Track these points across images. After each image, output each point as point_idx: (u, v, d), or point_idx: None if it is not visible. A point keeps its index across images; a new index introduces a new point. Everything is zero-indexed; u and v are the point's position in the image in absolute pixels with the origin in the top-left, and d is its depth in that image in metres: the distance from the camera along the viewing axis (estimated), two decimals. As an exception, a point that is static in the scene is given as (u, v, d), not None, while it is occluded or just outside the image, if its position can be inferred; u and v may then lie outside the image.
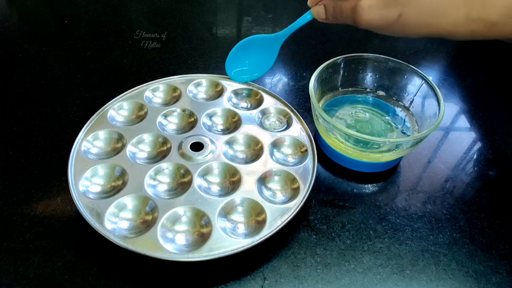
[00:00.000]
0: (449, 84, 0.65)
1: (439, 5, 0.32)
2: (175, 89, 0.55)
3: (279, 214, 0.40)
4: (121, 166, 0.44)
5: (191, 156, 0.46)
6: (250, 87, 0.56)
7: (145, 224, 0.40)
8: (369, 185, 0.48)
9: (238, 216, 0.41)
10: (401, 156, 0.50)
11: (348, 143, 0.47)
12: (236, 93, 0.55)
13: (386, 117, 0.53)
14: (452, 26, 0.33)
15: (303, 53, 0.71)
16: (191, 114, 0.52)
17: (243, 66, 0.49)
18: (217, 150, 0.47)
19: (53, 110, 0.56)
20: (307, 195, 0.42)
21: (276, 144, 0.49)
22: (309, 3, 0.42)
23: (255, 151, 0.48)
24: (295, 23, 0.45)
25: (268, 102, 0.54)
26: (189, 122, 0.51)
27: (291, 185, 0.44)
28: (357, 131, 0.49)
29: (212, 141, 0.48)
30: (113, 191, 0.42)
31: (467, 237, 0.43)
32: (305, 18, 0.44)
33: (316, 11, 0.40)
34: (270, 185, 0.44)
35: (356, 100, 0.55)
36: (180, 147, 0.47)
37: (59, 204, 0.44)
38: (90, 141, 0.47)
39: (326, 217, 0.44)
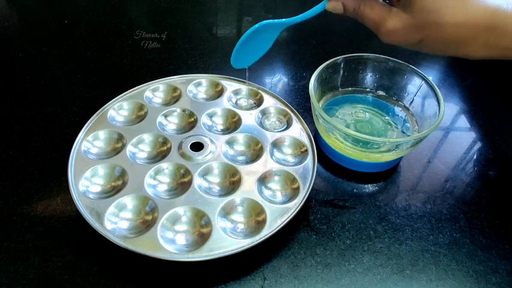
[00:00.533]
0: (449, 84, 0.65)
1: (460, 34, 0.33)
2: (175, 89, 0.55)
3: (279, 214, 0.40)
4: (121, 166, 0.44)
5: (191, 156, 0.46)
6: (250, 87, 0.56)
7: (145, 224, 0.40)
8: (369, 185, 0.48)
9: (238, 216, 0.41)
10: (401, 156, 0.50)
11: (348, 143, 0.47)
12: (236, 93, 0.55)
13: (386, 117, 0.53)
14: (470, 52, 0.35)
15: (303, 53, 0.71)
16: (191, 114, 0.52)
17: (244, 53, 0.48)
18: (217, 150, 0.47)
19: (53, 110, 0.56)
20: (307, 195, 0.42)
21: (276, 144, 0.49)
22: None
23: (255, 151, 0.48)
24: (306, 13, 0.43)
25: (268, 102, 0.54)
26: (189, 122, 0.51)
27: (291, 185, 0.44)
28: (357, 131, 0.49)
29: (212, 141, 0.48)
30: (113, 191, 0.42)
31: (467, 237, 0.43)
32: (318, 8, 0.41)
33: (333, 7, 0.40)
34: (270, 185, 0.44)
35: (356, 100, 0.55)
36: (180, 147, 0.47)
37: (59, 204, 0.44)
38: (90, 141, 0.47)
39: (326, 217, 0.44)
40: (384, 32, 0.36)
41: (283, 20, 0.45)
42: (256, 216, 0.41)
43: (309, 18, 0.43)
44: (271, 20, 0.45)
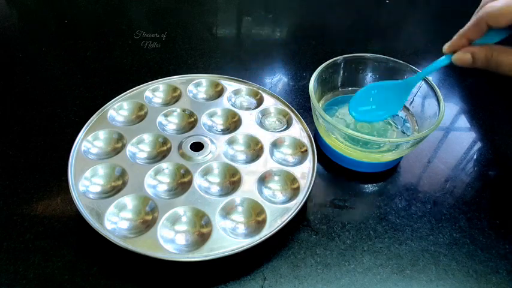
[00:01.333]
0: (449, 84, 0.65)
1: None
2: (175, 89, 0.55)
3: (279, 214, 0.40)
4: (121, 166, 0.44)
5: (191, 156, 0.46)
6: (250, 87, 0.56)
7: (145, 224, 0.40)
8: (369, 185, 0.48)
9: (238, 216, 0.41)
10: (401, 156, 0.50)
11: (348, 143, 0.47)
12: (236, 93, 0.55)
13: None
14: None
15: (303, 53, 0.71)
16: (191, 114, 0.52)
17: (368, 106, 0.47)
18: (217, 150, 0.47)
19: (53, 110, 0.56)
20: (307, 195, 0.42)
21: (276, 144, 0.49)
22: (445, 49, 0.40)
23: (255, 151, 0.48)
24: (430, 67, 0.42)
25: (268, 102, 0.54)
26: (189, 122, 0.51)
27: (291, 185, 0.44)
28: (357, 131, 0.49)
29: (212, 141, 0.48)
30: (113, 191, 0.42)
31: (467, 237, 0.43)
32: (442, 62, 0.41)
33: (462, 59, 0.38)
34: (270, 185, 0.44)
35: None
36: (180, 147, 0.47)
37: (59, 204, 0.44)
38: (90, 141, 0.47)
39: (326, 217, 0.44)
40: None
41: (405, 80, 0.46)
42: (256, 216, 0.41)
43: (434, 71, 0.44)
44: (390, 81, 0.47)
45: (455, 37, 0.39)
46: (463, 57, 0.38)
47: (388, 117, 0.51)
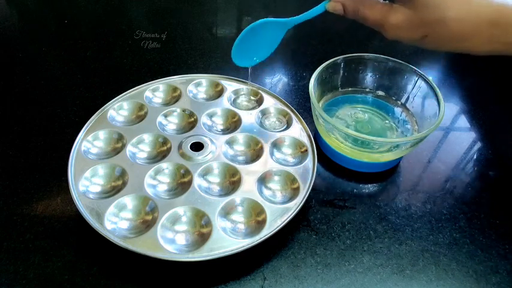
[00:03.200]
0: (449, 84, 0.65)
1: (464, 29, 0.34)
2: (175, 89, 0.55)
3: (279, 214, 0.40)
4: (121, 166, 0.44)
5: (191, 156, 0.46)
6: (250, 87, 0.56)
7: (145, 224, 0.40)
8: (369, 185, 0.48)
9: (238, 216, 0.41)
10: (401, 156, 0.50)
11: (348, 143, 0.47)
12: (236, 93, 0.55)
13: (386, 118, 0.53)
14: (474, 47, 0.35)
15: (303, 53, 0.71)
16: (191, 114, 0.52)
17: (247, 51, 0.48)
18: (217, 150, 0.47)
19: (53, 110, 0.56)
20: (307, 195, 0.42)
21: (276, 144, 0.49)
22: None
23: (255, 151, 0.48)
24: (307, 13, 0.43)
25: (268, 102, 0.54)
26: (189, 122, 0.51)
27: (291, 185, 0.44)
28: (357, 131, 0.49)
29: (212, 141, 0.48)
30: (113, 191, 0.42)
31: (467, 237, 0.43)
32: (318, 9, 0.42)
33: (333, 8, 0.40)
34: (270, 185, 0.44)
35: (356, 100, 0.55)
36: (180, 147, 0.47)
37: (59, 204, 0.44)
38: (90, 141, 0.47)
39: (326, 217, 0.44)
40: (388, 28, 0.36)
41: (284, 19, 0.45)
42: (256, 216, 0.41)
43: (310, 18, 0.44)
44: (271, 18, 0.45)
45: None
46: (335, 6, 0.40)
47: (260, 61, 0.50)
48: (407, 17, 0.35)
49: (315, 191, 0.47)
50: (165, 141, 0.48)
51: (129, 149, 0.46)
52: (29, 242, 0.41)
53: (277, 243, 0.41)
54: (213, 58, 0.68)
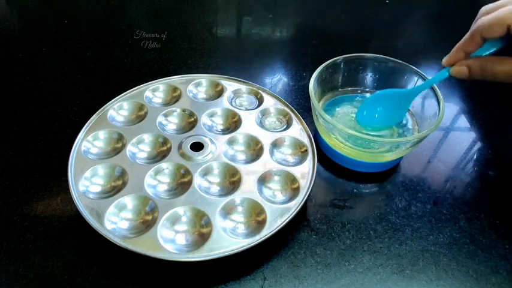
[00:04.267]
0: (449, 84, 0.65)
1: None
2: (175, 89, 0.55)
3: (279, 214, 0.40)
4: (121, 166, 0.44)
5: (191, 156, 0.46)
6: (250, 87, 0.56)
7: (145, 224, 0.40)
8: (369, 185, 0.48)
9: (238, 216, 0.41)
10: (401, 156, 0.50)
11: (348, 143, 0.47)
12: (236, 93, 0.55)
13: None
14: None
15: (303, 53, 0.71)
16: (191, 114, 0.52)
17: (373, 116, 0.50)
18: (217, 150, 0.47)
19: (53, 110, 0.56)
20: (307, 195, 0.42)
21: (276, 144, 0.49)
22: (444, 63, 0.42)
23: (255, 151, 0.48)
24: (430, 80, 0.45)
25: (268, 102, 0.54)
26: (189, 122, 0.51)
27: (291, 185, 0.44)
28: (357, 131, 0.49)
29: (212, 141, 0.48)
30: (113, 191, 0.42)
31: (467, 237, 0.43)
32: (442, 75, 0.43)
33: (458, 72, 0.40)
34: (270, 185, 0.44)
35: (356, 100, 0.55)
36: (180, 147, 0.47)
37: (59, 204, 0.44)
38: (90, 141, 0.47)
39: (326, 217, 0.44)
40: None
41: (408, 89, 0.48)
42: (256, 216, 0.41)
43: (434, 84, 0.46)
44: (395, 89, 0.49)
45: (452, 51, 0.41)
46: (459, 70, 0.40)
47: (393, 126, 0.51)
48: None
49: (315, 191, 0.47)
50: (165, 141, 0.48)
51: (129, 149, 0.46)
52: (29, 242, 0.41)
53: (277, 243, 0.41)
54: (213, 58, 0.68)
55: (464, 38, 0.39)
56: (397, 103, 0.49)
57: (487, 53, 0.39)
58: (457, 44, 0.40)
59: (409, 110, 0.53)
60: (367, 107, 0.50)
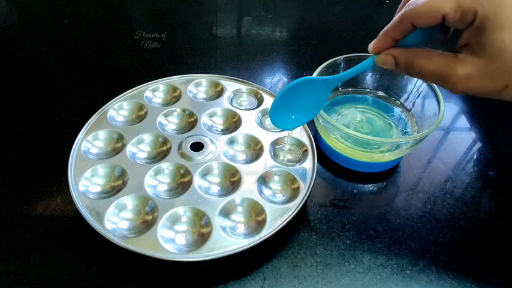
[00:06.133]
0: (449, 84, 0.65)
1: None
2: (175, 89, 0.55)
3: (279, 214, 0.40)
4: (121, 166, 0.44)
5: (191, 156, 0.46)
6: (250, 87, 0.56)
7: (145, 224, 0.40)
8: (369, 185, 0.48)
9: (238, 216, 0.41)
10: (401, 156, 0.50)
11: (348, 143, 0.47)
12: (236, 93, 0.55)
13: (386, 118, 0.53)
14: None
15: (303, 53, 0.71)
16: (191, 114, 0.52)
17: (288, 112, 0.42)
18: (217, 150, 0.47)
19: (53, 110, 0.56)
20: (307, 195, 0.42)
21: (275, 144, 0.49)
22: (370, 49, 0.36)
23: (255, 151, 0.48)
24: (353, 69, 0.38)
25: (268, 102, 0.54)
26: (189, 122, 0.51)
27: (291, 185, 0.44)
28: (357, 131, 0.49)
29: (212, 141, 0.48)
30: (112, 191, 0.42)
31: (466, 237, 0.43)
32: (366, 64, 0.37)
33: (383, 61, 0.35)
34: (270, 185, 0.44)
35: (356, 100, 0.55)
36: (180, 147, 0.47)
37: (59, 204, 0.44)
38: (90, 141, 0.47)
39: (326, 217, 0.44)
40: (455, 81, 0.30)
41: (327, 77, 0.40)
42: (256, 216, 0.41)
43: (357, 74, 0.38)
44: (312, 77, 0.41)
45: (379, 36, 0.35)
46: (385, 59, 0.35)
47: (307, 122, 0.44)
48: (480, 67, 0.29)
49: (315, 191, 0.47)
50: (165, 141, 0.48)
51: (129, 149, 0.46)
52: (29, 242, 0.41)
53: (277, 243, 0.41)
54: (213, 58, 0.68)
55: (393, 21, 0.33)
56: (315, 93, 0.40)
57: (418, 41, 0.33)
58: (384, 28, 0.34)
59: (408, 110, 0.53)
60: (281, 100, 0.40)
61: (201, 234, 0.39)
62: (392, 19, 0.33)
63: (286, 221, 0.40)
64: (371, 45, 0.36)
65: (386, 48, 0.34)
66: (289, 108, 0.41)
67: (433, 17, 0.29)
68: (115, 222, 0.39)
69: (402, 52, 0.33)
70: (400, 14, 0.32)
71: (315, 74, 0.49)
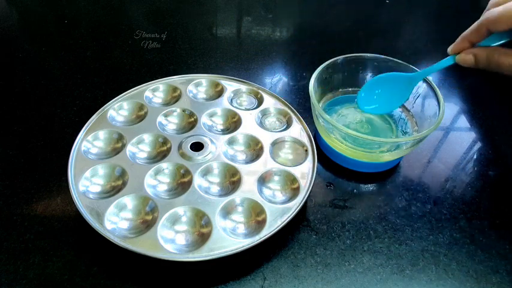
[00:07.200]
0: (449, 84, 0.65)
1: None
2: (175, 89, 0.55)
3: (279, 214, 0.40)
4: (121, 166, 0.44)
5: (191, 156, 0.46)
6: (250, 87, 0.56)
7: (145, 224, 0.40)
8: (369, 185, 0.48)
9: (238, 216, 0.41)
10: (401, 156, 0.50)
11: (348, 143, 0.47)
12: (236, 93, 0.55)
13: (386, 117, 0.53)
14: None
15: (303, 53, 0.71)
16: (191, 114, 0.52)
17: (372, 99, 0.51)
18: (217, 150, 0.47)
19: (53, 110, 0.56)
20: (307, 195, 0.42)
21: (276, 144, 0.49)
22: (450, 51, 0.42)
23: (255, 151, 0.48)
24: (434, 66, 0.45)
25: (268, 102, 0.54)
26: (189, 122, 0.51)
27: (291, 185, 0.44)
28: (357, 131, 0.49)
29: (212, 141, 0.48)
30: (112, 191, 0.42)
31: (467, 237, 0.43)
32: (447, 62, 0.43)
33: (464, 60, 0.41)
34: (270, 185, 0.44)
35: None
36: (180, 147, 0.47)
37: (59, 204, 0.44)
38: (90, 141, 0.47)
39: (326, 217, 0.44)
40: None
41: (411, 74, 0.48)
42: (256, 216, 0.41)
43: (438, 71, 0.46)
44: (397, 73, 0.49)
45: (458, 40, 0.41)
46: (465, 58, 0.40)
47: (392, 111, 0.52)
48: None
49: (315, 191, 0.47)
50: (165, 141, 0.48)
51: (129, 149, 0.46)
52: (29, 242, 0.41)
53: (277, 243, 0.41)
54: (213, 58, 0.68)
55: (471, 28, 0.39)
56: (398, 87, 0.49)
57: (495, 44, 0.39)
58: (463, 34, 0.40)
59: (408, 109, 0.53)
60: (367, 88, 0.50)
61: (201, 234, 0.39)
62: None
63: (286, 221, 0.40)
64: (450, 48, 0.42)
65: (464, 50, 0.41)
66: (373, 97, 0.50)
67: (507, 22, 0.35)
68: (115, 222, 0.39)
69: (482, 51, 0.39)
70: (477, 22, 0.38)
71: (314, 74, 0.49)
